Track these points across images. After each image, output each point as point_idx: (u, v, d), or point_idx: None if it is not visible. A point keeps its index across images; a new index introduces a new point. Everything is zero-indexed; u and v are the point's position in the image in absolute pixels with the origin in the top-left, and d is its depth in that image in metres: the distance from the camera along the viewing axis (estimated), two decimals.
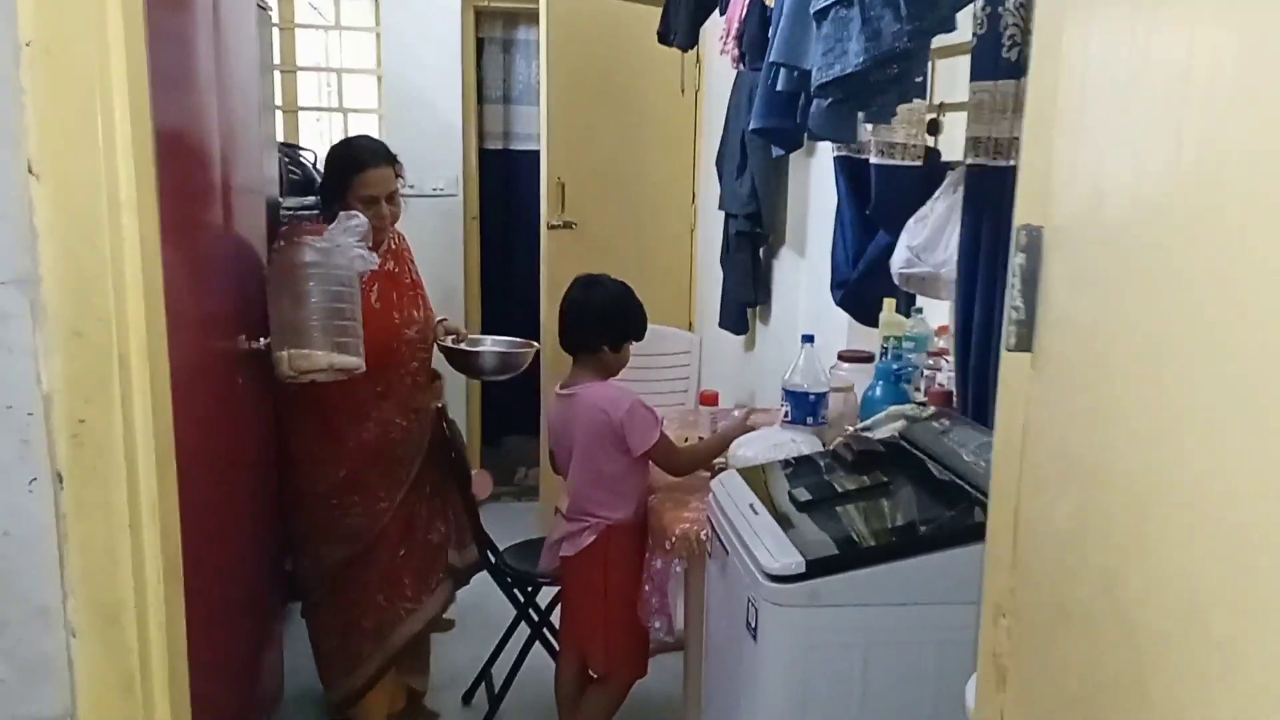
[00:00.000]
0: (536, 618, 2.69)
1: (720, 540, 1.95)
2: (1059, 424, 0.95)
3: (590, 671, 2.42)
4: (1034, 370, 0.99)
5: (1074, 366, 0.93)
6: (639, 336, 2.42)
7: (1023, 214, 1.01)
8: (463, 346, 2.67)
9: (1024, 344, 0.99)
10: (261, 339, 2.13)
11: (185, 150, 1.70)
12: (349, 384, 2.27)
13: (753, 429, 2.35)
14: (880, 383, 2.41)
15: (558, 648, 2.58)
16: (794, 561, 1.66)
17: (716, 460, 2.33)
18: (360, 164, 2.40)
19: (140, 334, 1.02)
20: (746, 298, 3.50)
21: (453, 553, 2.64)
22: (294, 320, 2.18)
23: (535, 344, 2.76)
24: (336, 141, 2.66)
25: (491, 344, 2.84)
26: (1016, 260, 1.00)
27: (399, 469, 2.50)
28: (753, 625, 1.72)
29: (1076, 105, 0.94)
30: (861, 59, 1.84)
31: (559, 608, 2.55)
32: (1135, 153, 0.84)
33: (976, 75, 2.05)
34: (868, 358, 2.57)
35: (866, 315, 2.71)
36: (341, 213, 2.30)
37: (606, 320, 2.38)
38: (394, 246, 2.54)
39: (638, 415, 2.27)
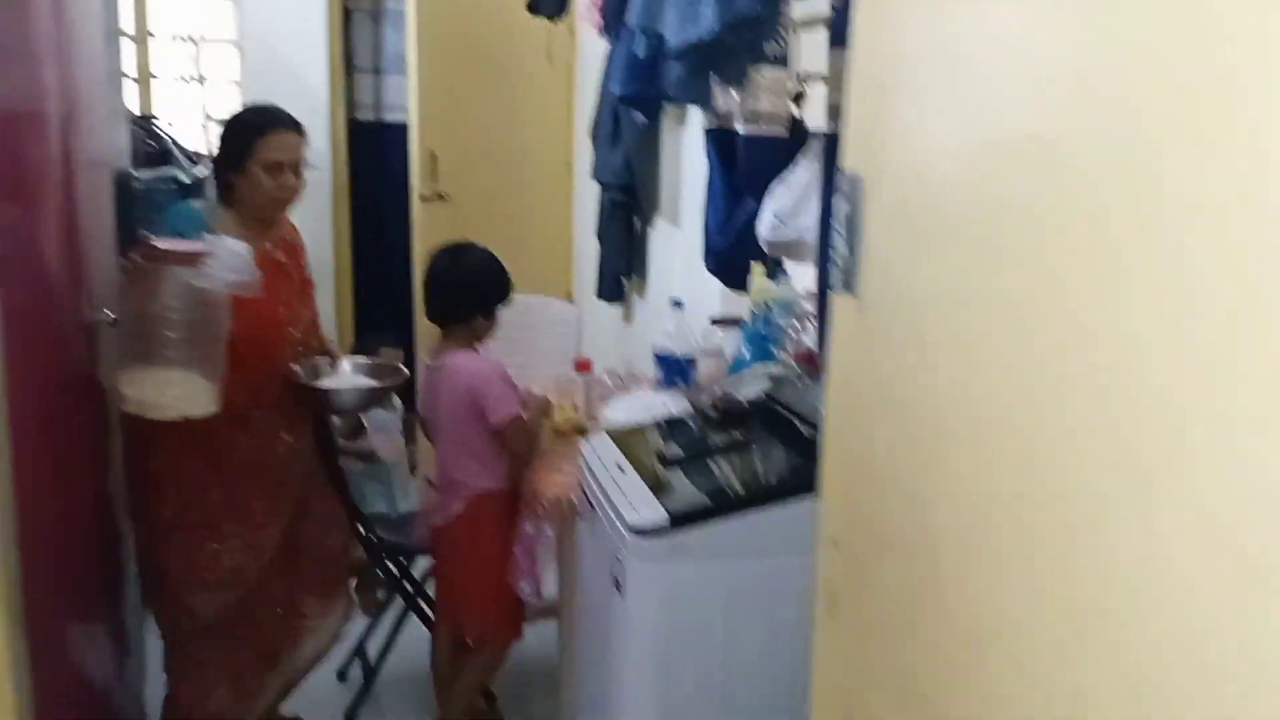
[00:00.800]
0: (411, 589, 2.67)
1: (589, 500, 1.97)
2: (879, 361, 0.99)
3: (467, 640, 2.41)
4: (858, 312, 1.03)
5: (890, 307, 0.97)
6: (507, 301, 2.41)
7: (847, 162, 1.05)
8: (316, 383, 2.31)
9: (848, 286, 1.03)
10: (106, 310, 2.03)
11: (14, 119, 1.62)
12: (224, 386, 2.02)
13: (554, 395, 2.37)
14: (749, 345, 2.46)
15: (433, 619, 2.57)
16: (657, 515, 1.70)
17: (587, 424, 2.35)
18: (264, 126, 2.19)
19: None
20: (622, 267, 3.53)
21: (355, 552, 2.44)
22: (145, 353, 1.96)
23: (404, 370, 2.46)
24: (235, 112, 2.37)
25: (352, 370, 2.42)
26: (841, 206, 1.04)
27: (283, 491, 2.24)
28: (619, 581, 1.75)
29: (893, 65, 0.98)
30: (715, 24, 1.87)
31: (434, 579, 2.54)
32: (935, 112, 0.89)
33: (835, 43, 2.10)
34: (738, 322, 2.62)
35: (737, 281, 2.76)
36: (225, 238, 2.06)
37: (476, 288, 2.37)
38: (288, 238, 2.33)
39: (497, 386, 2.26)
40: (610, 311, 3.75)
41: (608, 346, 3.81)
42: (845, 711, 1.01)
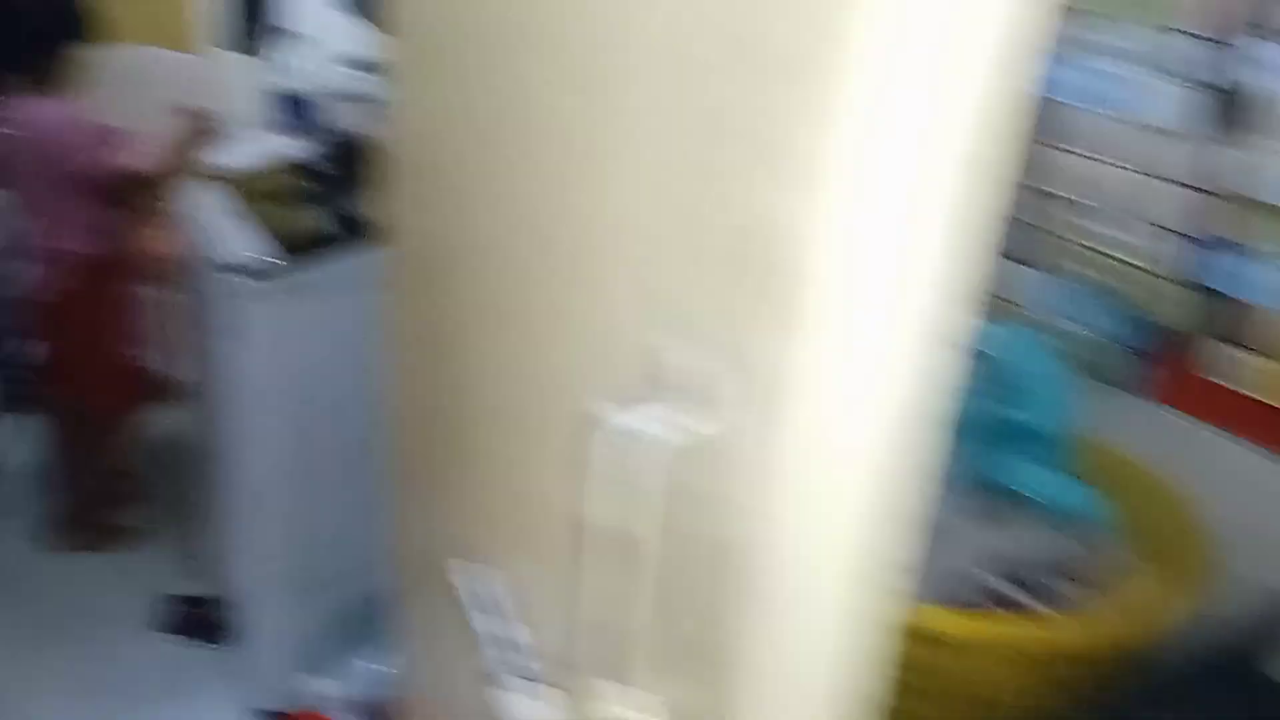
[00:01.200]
0: (24, 375, 2.39)
1: (200, 251, 1.83)
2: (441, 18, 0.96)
3: (86, 418, 2.21)
4: None
5: None
6: (82, 40, 2.06)
7: None
8: None
9: None
10: None
11: None
12: None
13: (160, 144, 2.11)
14: (377, 83, 2.32)
15: (53, 403, 2.31)
16: (269, 253, 1.61)
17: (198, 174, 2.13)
18: None
19: None
20: (248, 11, 3.18)
21: None
22: None
23: None
24: None
25: None
26: None
27: None
28: (238, 327, 1.67)
29: None
30: None
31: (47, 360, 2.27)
32: None
33: None
34: (370, 62, 2.46)
35: (373, 16, 2.57)
36: None
37: (38, 27, 2.01)
38: None
39: (90, 137, 1.97)
40: (237, 59, 3.39)
41: (233, 95, 3.47)
42: (402, 366, 1.16)
